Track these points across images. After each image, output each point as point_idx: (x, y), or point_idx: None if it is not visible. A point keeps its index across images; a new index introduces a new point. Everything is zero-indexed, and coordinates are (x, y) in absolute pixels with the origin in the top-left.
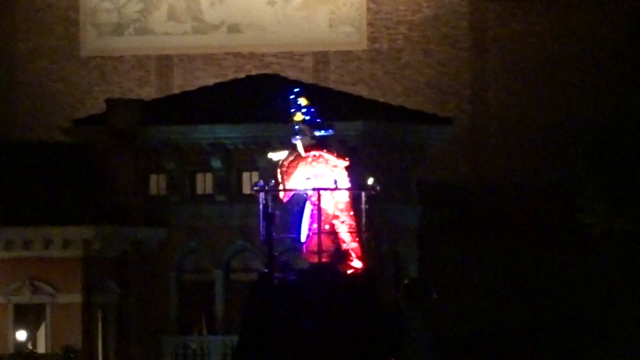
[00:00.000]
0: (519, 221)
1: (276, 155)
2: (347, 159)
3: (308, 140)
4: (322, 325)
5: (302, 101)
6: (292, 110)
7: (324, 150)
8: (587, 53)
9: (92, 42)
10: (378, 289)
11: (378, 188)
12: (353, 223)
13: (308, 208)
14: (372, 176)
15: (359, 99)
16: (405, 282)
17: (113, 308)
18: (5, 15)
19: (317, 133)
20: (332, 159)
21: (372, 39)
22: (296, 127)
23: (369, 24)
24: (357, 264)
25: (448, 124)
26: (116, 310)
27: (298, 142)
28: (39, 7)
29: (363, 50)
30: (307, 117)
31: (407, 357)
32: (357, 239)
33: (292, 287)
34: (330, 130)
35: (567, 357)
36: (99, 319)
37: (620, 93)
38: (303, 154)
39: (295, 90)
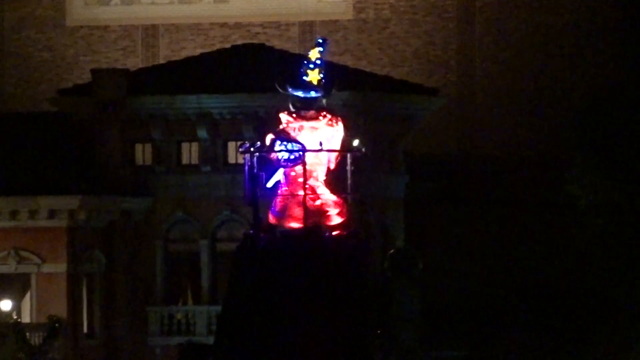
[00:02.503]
0: (507, 192)
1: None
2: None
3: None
4: (308, 289)
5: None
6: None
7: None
8: (576, 23)
9: (78, 12)
10: (366, 253)
11: (364, 149)
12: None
13: (280, 170)
14: (358, 138)
15: (346, 68)
16: (392, 252)
17: (99, 278)
18: None
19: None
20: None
21: (359, 9)
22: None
23: None
24: (336, 219)
25: (435, 95)
26: (102, 280)
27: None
28: None
29: (349, 20)
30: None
31: (394, 327)
32: (337, 195)
33: (278, 248)
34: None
35: (554, 328)
36: (85, 289)
37: (608, 64)
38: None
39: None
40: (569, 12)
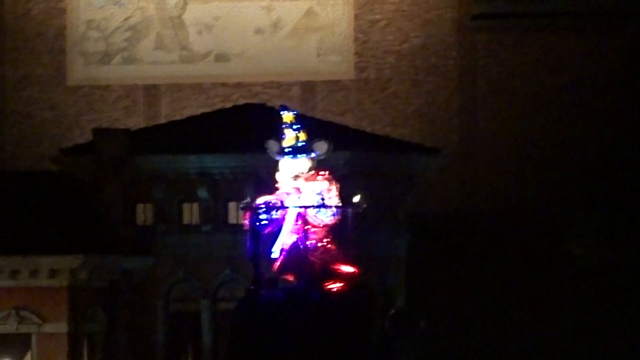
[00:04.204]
0: (509, 252)
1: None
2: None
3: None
4: (308, 346)
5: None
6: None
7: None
8: (578, 83)
9: (79, 71)
10: (368, 311)
11: (365, 205)
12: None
13: (287, 225)
14: (359, 193)
15: (347, 128)
16: (392, 312)
17: (100, 338)
18: None
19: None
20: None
21: (360, 69)
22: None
23: (357, 54)
24: (347, 268)
25: (436, 154)
26: (103, 340)
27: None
28: (27, 36)
29: (351, 80)
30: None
31: None
32: (341, 252)
33: (279, 304)
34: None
35: None
36: (86, 349)
37: (610, 123)
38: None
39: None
40: (571, 70)
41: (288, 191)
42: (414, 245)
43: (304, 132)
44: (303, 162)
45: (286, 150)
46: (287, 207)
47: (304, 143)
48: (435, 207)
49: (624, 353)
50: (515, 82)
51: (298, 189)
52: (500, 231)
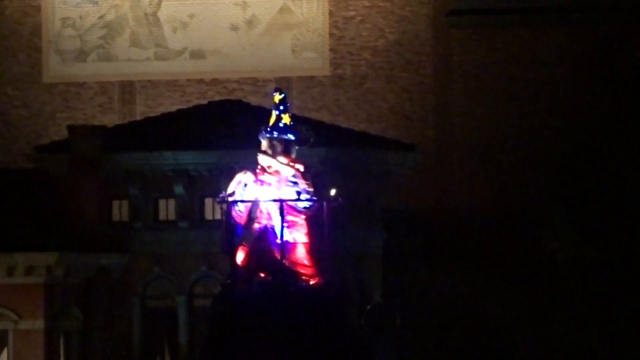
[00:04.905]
0: (484, 248)
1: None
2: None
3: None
4: (284, 341)
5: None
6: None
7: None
8: (554, 79)
9: (55, 69)
10: (344, 302)
11: (340, 199)
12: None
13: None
14: (334, 187)
15: (322, 124)
16: (368, 307)
17: (76, 334)
18: None
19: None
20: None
21: (335, 65)
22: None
23: (332, 50)
24: (314, 269)
25: (411, 150)
26: (79, 336)
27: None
28: (2, 34)
29: (326, 76)
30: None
31: None
32: (310, 255)
33: (255, 299)
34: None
35: None
36: (62, 346)
37: (585, 119)
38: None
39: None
40: (547, 68)
41: (265, 180)
42: (390, 242)
43: (287, 115)
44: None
45: (267, 129)
46: (259, 201)
47: (284, 125)
48: (411, 204)
49: (601, 345)
50: (491, 78)
51: (278, 172)
52: (475, 227)
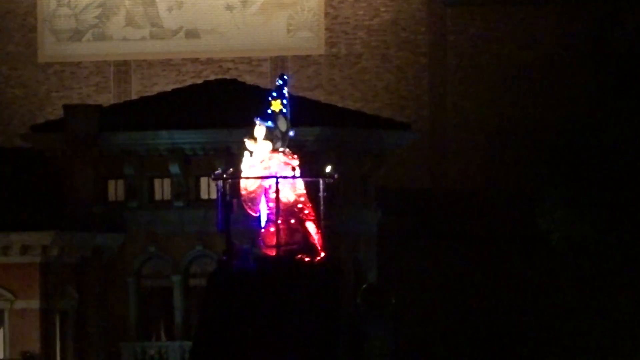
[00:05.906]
0: (479, 227)
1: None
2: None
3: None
4: (279, 318)
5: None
6: (273, 95)
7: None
8: (547, 58)
9: (50, 48)
10: (339, 279)
11: (336, 175)
12: (312, 216)
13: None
14: (330, 164)
15: (317, 104)
16: (364, 287)
17: (72, 314)
18: None
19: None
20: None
21: (330, 44)
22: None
23: (327, 29)
24: (310, 246)
25: (406, 129)
26: (75, 316)
27: (261, 129)
28: None
29: (321, 55)
30: (285, 110)
31: None
32: (319, 229)
33: (252, 275)
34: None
35: None
36: (57, 325)
37: (580, 99)
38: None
39: (284, 78)
40: (541, 47)
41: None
42: (385, 221)
43: (277, 101)
44: (265, 145)
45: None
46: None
47: (271, 111)
48: (405, 183)
49: (594, 325)
50: (486, 57)
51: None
52: (470, 206)
